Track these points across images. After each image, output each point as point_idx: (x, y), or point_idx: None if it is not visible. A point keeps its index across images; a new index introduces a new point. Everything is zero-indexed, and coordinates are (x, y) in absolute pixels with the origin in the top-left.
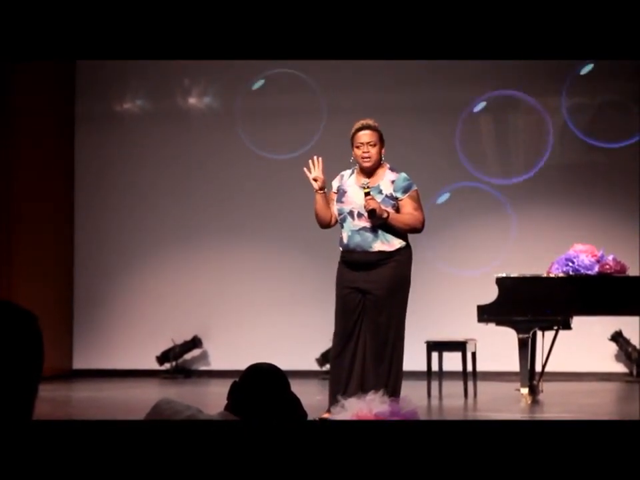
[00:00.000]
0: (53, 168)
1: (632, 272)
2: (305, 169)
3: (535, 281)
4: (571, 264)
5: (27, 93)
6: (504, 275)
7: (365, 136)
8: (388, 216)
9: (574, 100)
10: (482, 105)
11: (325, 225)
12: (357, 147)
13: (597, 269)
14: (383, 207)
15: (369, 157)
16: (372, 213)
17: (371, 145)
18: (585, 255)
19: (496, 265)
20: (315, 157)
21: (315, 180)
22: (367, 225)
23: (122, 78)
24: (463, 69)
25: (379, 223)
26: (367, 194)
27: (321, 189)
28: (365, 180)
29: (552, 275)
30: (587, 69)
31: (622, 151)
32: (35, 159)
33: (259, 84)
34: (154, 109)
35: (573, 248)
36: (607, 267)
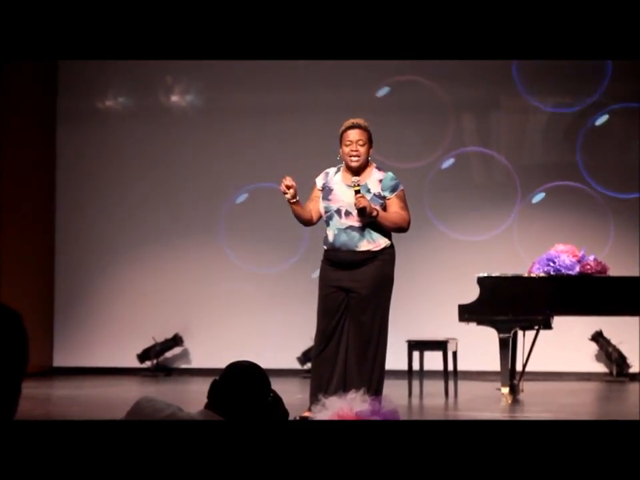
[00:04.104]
0: (35, 165)
1: (612, 272)
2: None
3: (516, 280)
4: (552, 264)
5: (7, 90)
6: (485, 274)
7: (355, 134)
8: (377, 214)
9: (556, 100)
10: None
11: (307, 224)
12: (346, 145)
13: (577, 269)
14: (372, 206)
15: (357, 156)
16: (362, 211)
17: (360, 144)
18: (566, 255)
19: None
20: (286, 182)
21: (288, 196)
22: (354, 223)
23: (104, 75)
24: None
25: (368, 221)
26: (357, 192)
27: (293, 198)
28: (355, 178)
29: (533, 275)
30: (602, 119)
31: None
32: (16, 157)
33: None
34: (136, 106)
35: (554, 248)
36: (588, 267)
